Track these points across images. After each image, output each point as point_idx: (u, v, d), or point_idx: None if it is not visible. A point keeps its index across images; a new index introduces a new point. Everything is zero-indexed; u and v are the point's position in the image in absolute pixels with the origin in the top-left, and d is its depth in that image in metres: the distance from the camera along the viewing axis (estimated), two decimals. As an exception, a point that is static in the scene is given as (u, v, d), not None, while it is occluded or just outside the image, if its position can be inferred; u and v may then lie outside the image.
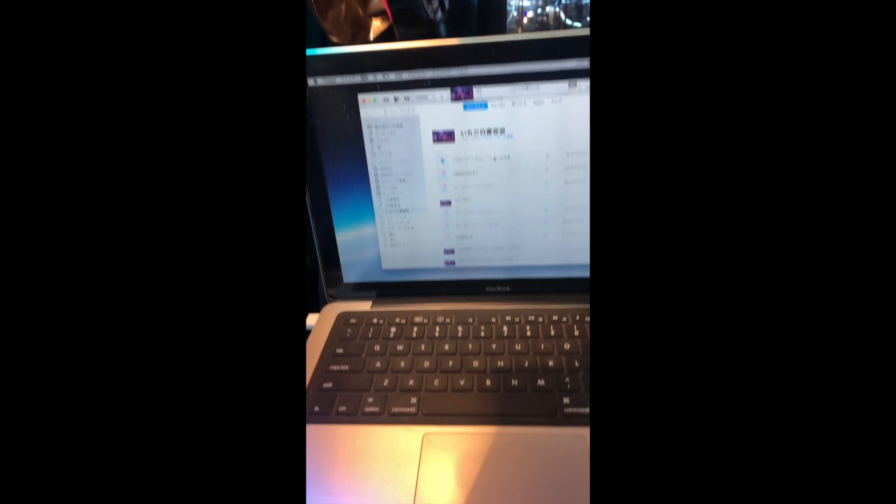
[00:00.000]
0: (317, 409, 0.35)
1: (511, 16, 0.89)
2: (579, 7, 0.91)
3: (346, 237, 0.44)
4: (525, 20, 0.92)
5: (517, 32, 0.92)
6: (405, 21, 0.34)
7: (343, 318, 0.44)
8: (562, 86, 0.37)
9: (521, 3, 0.91)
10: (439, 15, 0.34)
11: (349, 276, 0.46)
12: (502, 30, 0.50)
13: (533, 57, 0.37)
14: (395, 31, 0.36)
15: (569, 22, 0.91)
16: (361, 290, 0.46)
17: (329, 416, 0.34)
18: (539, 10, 0.93)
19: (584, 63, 0.37)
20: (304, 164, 0.41)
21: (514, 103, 0.38)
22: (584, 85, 0.37)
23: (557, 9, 0.92)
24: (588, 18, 0.90)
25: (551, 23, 0.92)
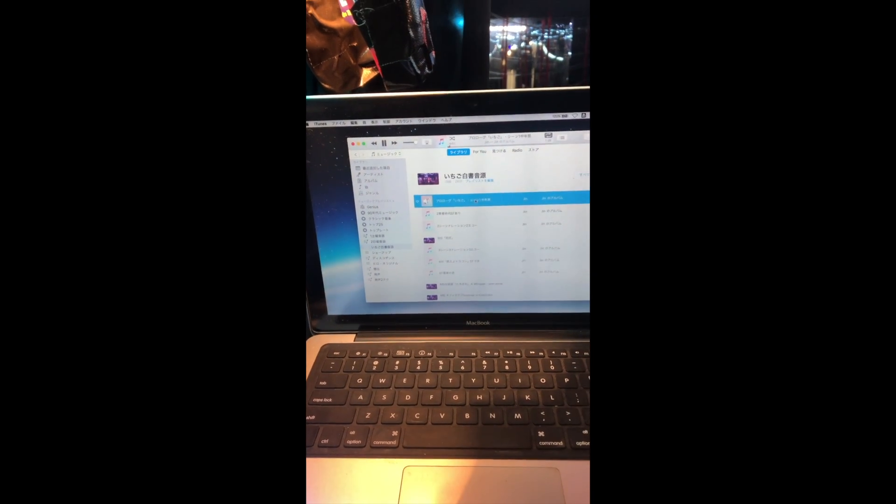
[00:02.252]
0: (300, 441, 0.36)
1: (496, 48, 0.93)
2: (561, 42, 0.95)
3: (332, 271, 0.46)
4: (509, 53, 0.96)
5: (501, 65, 0.95)
6: (394, 77, 0.36)
7: (326, 351, 0.45)
8: (538, 136, 0.40)
9: (505, 38, 0.95)
10: (426, 70, 0.36)
11: (333, 308, 0.47)
12: (485, 76, 0.53)
13: (513, 109, 0.40)
14: (385, 85, 0.38)
15: (551, 56, 0.96)
16: (345, 322, 0.48)
17: (311, 449, 0.35)
18: (522, 45, 0.97)
19: (559, 116, 0.40)
20: (304, 196, 0.42)
21: (494, 150, 0.41)
22: (560, 135, 0.40)
23: (540, 43, 0.96)
24: (570, 53, 0.94)
25: (534, 56, 0.96)
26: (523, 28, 0.94)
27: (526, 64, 0.96)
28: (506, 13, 0.90)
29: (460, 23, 0.61)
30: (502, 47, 0.95)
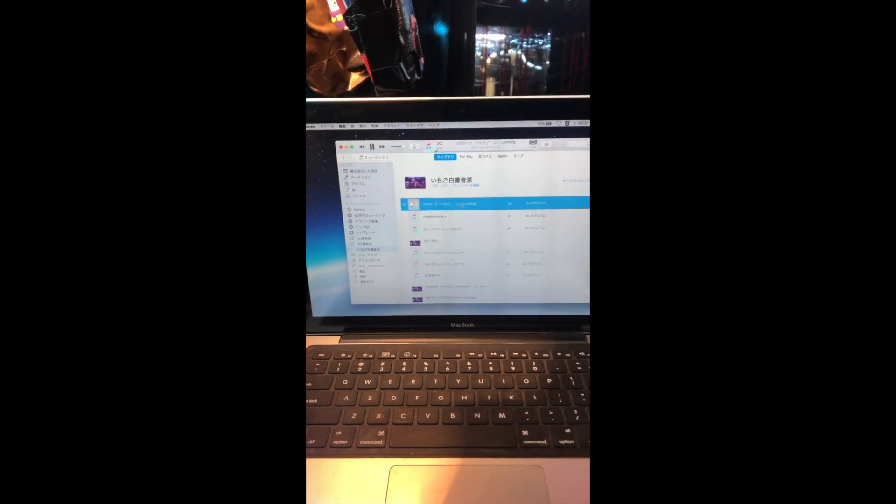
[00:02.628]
0: (286, 443, 0.36)
1: (475, 56, 0.95)
2: (539, 51, 0.97)
3: (317, 273, 0.46)
4: (488, 61, 0.98)
5: (481, 73, 0.97)
6: (384, 82, 0.37)
7: (312, 353, 0.45)
8: (524, 142, 0.41)
9: (484, 46, 0.96)
10: (415, 76, 0.37)
11: (319, 310, 0.47)
12: (471, 83, 0.54)
13: (499, 116, 0.41)
14: (375, 90, 0.39)
15: (530, 65, 0.98)
16: (330, 324, 0.48)
17: (298, 451, 0.35)
18: (501, 53, 0.98)
19: (544, 123, 0.41)
20: (304, 196, 0.43)
21: (480, 156, 0.42)
22: (544, 142, 0.41)
23: (519, 52, 0.98)
24: (548, 62, 0.97)
25: (513, 64, 0.98)
26: (503, 37, 0.96)
27: (505, 72, 0.98)
28: (486, 22, 0.92)
29: (445, 30, 0.62)
30: (482, 55, 0.96)
